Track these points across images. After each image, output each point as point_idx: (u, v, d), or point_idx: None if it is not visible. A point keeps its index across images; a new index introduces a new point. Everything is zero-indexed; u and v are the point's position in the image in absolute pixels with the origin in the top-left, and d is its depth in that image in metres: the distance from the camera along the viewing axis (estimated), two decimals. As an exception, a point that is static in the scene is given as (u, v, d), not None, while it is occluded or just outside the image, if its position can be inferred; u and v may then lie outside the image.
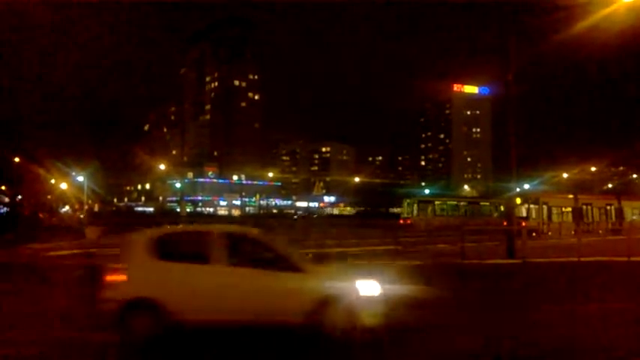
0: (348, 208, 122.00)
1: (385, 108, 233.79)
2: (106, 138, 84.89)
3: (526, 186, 47.90)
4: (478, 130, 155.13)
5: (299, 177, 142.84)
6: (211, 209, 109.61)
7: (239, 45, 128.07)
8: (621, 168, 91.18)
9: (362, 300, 6.63)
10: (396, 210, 74.66)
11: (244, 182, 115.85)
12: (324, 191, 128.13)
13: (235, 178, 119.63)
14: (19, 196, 48.81)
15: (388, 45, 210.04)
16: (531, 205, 35.84)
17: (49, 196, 59.63)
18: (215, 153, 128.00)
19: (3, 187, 49.66)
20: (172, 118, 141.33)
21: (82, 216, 47.62)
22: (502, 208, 39.96)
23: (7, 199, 47.12)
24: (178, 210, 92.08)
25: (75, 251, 19.08)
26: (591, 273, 13.96)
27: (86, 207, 53.04)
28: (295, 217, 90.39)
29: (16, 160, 46.18)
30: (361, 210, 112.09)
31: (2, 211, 42.87)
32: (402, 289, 9.29)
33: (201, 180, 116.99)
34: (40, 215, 45.59)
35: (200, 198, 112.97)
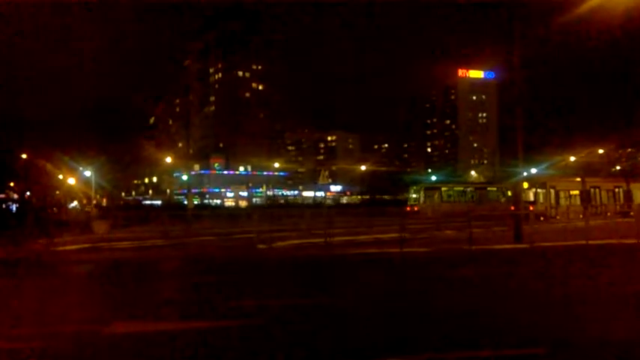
0: (347, 197, 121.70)
1: (390, 95, 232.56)
2: (112, 132, 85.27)
3: (533, 170, 47.64)
4: (484, 115, 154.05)
5: (305, 166, 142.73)
6: (218, 201, 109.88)
7: (243, 36, 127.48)
8: (629, 150, 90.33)
9: None
10: (403, 197, 74.49)
11: (251, 173, 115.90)
12: (329, 180, 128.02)
13: (242, 169, 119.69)
14: (28, 192, 49.15)
15: (392, 32, 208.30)
16: (539, 190, 35.72)
17: (57, 192, 60.01)
18: (221, 144, 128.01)
19: (11, 184, 50.02)
20: (177, 110, 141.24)
21: (88, 210, 47.94)
22: (509, 193, 39.81)
23: (15, 196, 47.48)
24: (186, 202, 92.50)
25: (84, 246, 19.24)
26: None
27: (94, 201, 53.37)
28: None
29: (24, 156, 46.44)
30: (366, 198, 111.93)
31: (11, 207, 43.16)
32: None
33: (208, 172, 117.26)
34: (49, 211, 45.85)
35: (206, 190, 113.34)
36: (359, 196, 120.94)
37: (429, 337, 6.37)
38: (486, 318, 7.33)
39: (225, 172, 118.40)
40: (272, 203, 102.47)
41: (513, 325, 6.84)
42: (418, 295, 9.29)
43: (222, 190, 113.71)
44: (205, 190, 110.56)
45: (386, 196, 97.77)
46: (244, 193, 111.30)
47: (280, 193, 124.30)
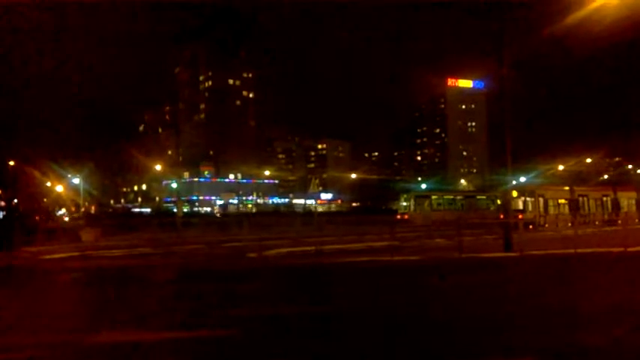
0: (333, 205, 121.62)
1: (380, 104, 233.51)
2: (100, 140, 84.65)
3: (522, 179, 48.00)
4: (473, 124, 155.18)
5: (295, 174, 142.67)
6: (208, 209, 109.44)
7: (233, 44, 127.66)
8: (617, 159, 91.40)
9: None
10: (393, 205, 74.66)
11: (241, 181, 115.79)
12: (320, 188, 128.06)
13: (232, 177, 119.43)
14: (15, 200, 48.57)
15: (381, 41, 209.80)
16: (527, 198, 35.92)
17: (45, 199, 59.41)
18: (211, 152, 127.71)
19: (-1, 191, 49.40)
20: (167, 118, 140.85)
21: (66, 219, 47.51)
22: (499, 202, 39.99)
23: (2, 203, 46.90)
24: (175, 210, 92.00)
25: (72, 254, 19.04)
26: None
27: (83, 209, 52.94)
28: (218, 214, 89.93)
29: (11, 163, 45.93)
30: (357, 206, 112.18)
31: (-2, 215, 42.62)
32: None
33: (198, 180, 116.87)
34: (37, 218, 45.39)
35: (196, 197, 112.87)
36: (336, 204, 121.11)
37: (419, 346, 6.36)
38: (475, 326, 7.33)
39: (228, 180, 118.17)
40: (261, 211, 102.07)
41: (502, 334, 6.85)
42: (408, 304, 9.27)
43: (200, 197, 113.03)
44: (188, 198, 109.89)
45: (377, 204, 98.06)
46: (234, 201, 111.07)
47: (270, 201, 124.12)
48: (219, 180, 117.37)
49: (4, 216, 40.06)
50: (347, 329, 7.24)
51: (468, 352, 6.00)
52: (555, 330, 6.96)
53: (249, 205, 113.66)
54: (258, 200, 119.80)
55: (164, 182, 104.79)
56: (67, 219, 48.34)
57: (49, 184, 52.86)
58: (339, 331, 7.13)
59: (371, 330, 7.20)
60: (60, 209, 63.85)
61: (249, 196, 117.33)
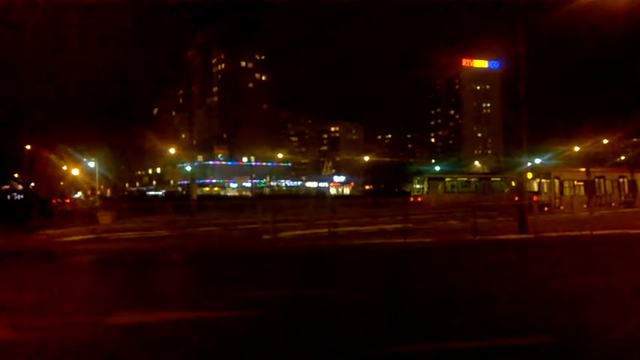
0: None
1: (394, 85, 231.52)
2: (115, 123, 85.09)
3: (537, 160, 47.55)
4: (488, 105, 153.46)
5: (308, 157, 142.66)
6: (222, 192, 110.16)
7: (245, 26, 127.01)
8: (634, 140, 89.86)
9: None
10: (407, 187, 74.44)
11: (254, 164, 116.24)
12: (333, 171, 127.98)
13: (245, 159, 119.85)
14: (32, 184, 49.27)
15: (396, 21, 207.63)
16: (543, 180, 35.62)
17: (61, 183, 60.17)
18: (224, 135, 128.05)
19: (16, 175, 50.16)
20: (180, 101, 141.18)
21: (92, 199, 48.14)
22: (513, 184, 39.69)
23: (20, 187, 47.64)
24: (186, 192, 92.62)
25: (88, 236, 19.31)
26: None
27: (98, 192, 53.54)
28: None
29: (28, 147, 46.49)
30: (369, 189, 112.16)
31: (16, 198, 43.35)
32: None
33: (212, 163, 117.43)
34: (54, 202, 46.06)
35: (210, 181, 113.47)
36: (349, 186, 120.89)
37: (435, 326, 6.38)
38: (491, 308, 7.33)
39: (229, 162, 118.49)
40: (275, 193, 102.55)
41: (517, 315, 6.84)
42: (422, 286, 9.29)
43: (203, 180, 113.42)
44: (194, 180, 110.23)
45: (390, 187, 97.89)
46: (248, 184, 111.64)
47: (283, 183, 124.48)
48: (210, 162, 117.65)
49: (21, 199, 40.73)
50: (358, 309, 7.28)
51: (483, 332, 6.01)
52: (571, 311, 6.94)
53: (251, 192, 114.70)
54: (272, 183, 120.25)
55: (178, 165, 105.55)
56: (92, 199, 49.00)
57: (65, 167, 53.50)
58: (350, 311, 7.18)
59: (380, 310, 7.23)
60: (76, 192, 64.64)
61: (262, 178, 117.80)
